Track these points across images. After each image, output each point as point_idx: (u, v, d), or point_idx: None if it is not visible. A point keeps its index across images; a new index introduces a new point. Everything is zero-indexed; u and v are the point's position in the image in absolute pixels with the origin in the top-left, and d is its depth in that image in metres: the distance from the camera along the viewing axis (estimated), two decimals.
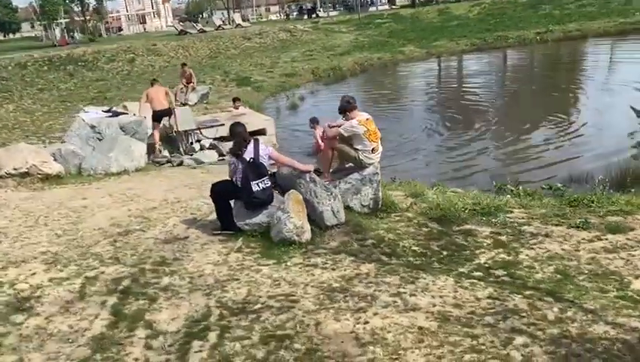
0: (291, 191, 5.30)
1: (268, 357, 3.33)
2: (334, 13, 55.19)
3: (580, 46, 24.70)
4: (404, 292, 4.10)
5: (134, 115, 10.24)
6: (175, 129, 10.10)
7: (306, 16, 52.95)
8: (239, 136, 5.39)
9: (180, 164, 9.57)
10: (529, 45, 25.77)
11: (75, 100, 16.51)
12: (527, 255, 4.76)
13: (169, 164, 9.68)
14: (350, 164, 6.15)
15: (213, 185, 5.70)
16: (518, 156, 10.35)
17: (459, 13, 39.66)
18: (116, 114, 9.93)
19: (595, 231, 5.18)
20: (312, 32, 35.45)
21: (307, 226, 5.19)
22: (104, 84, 19.97)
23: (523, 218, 5.70)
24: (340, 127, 6.05)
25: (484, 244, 5.05)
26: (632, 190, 6.64)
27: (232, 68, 23.59)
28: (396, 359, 3.25)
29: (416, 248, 5.02)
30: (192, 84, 15.95)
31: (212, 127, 10.45)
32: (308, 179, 5.53)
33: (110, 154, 8.78)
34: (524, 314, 3.71)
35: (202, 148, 10.06)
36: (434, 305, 3.89)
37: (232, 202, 5.70)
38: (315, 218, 5.35)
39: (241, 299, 4.14)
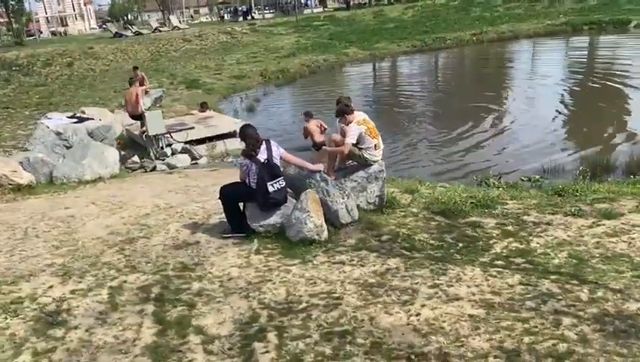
0: (308, 190, 5.33)
1: (337, 353, 3.37)
2: (269, 15, 55.10)
3: (514, 46, 26.03)
4: (441, 284, 4.24)
5: (100, 120, 9.87)
6: (146, 134, 9.81)
7: (241, 18, 52.51)
8: (251, 137, 5.35)
9: (153, 169, 9.33)
10: (466, 46, 26.87)
11: (18, 107, 15.62)
12: (537, 243, 5.02)
13: (141, 170, 9.40)
14: (350, 161, 6.25)
15: (222, 187, 5.63)
16: (476, 150, 10.69)
17: (393, 16, 40.67)
18: (81, 120, 9.53)
19: (590, 218, 5.53)
20: (252, 34, 35.26)
21: (325, 225, 5.25)
22: (45, 89, 18.97)
23: (519, 208, 5.99)
24: (343, 137, 6.11)
25: (494, 235, 5.28)
26: (609, 179, 7.13)
27: (176, 70, 23.09)
28: (461, 346, 3.38)
29: (432, 241, 5.18)
30: (144, 87, 15.44)
31: (182, 130, 10.23)
32: (319, 178, 5.58)
33: (83, 162, 8.43)
34: (560, 297, 3.94)
35: (174, 152, 9.83)
36: (473, 294, 4.06)
37: (240, 204, 5.67)
38: (329, 216, 5.40)
39: (282, 299, 4.15)
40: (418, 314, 3.78)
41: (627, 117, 12.07)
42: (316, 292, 4.21)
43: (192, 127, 10.40)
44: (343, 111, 6.10)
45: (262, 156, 5.31)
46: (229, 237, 5.50)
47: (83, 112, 11.30)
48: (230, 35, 33.82)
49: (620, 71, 16.84)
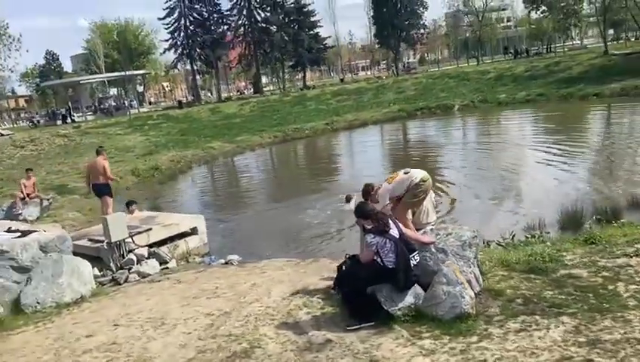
0: (447, 262, 5.03)
1: None
2: (91, 117, 52.02)
3: (371, 130, 28.63)
4: None
5: (44, 231, 8.20)
6: (106, 240, 8.32)
7: (59, 122, 48.58)
8: (377, 212, 4.95)
9: (126, 280, 7.92)
10: (323, 134, 28.44)
11: None
12: None
13: (111, 283, 7.92)
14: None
15: (342, 276, 5.06)
16: None
17: (230, 112, 41.29)
18: (24, 233, 7.83)
19: None
20: (86, 136, 32.83)
21: None
22: None
23: (582, 258, 6.33)
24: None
25: (601, 282, 5.50)
26: (614, 223, 7.98)
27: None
28: None
29: (563, 296, 5.18)
30: (33, 194, 13.30)
31: (142, 232, 8.91)
32: (434, 250, 5.33)
33: (60, 280, 6.83)
34: None
35: (139, 259, 8.46)
36: None
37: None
38: None
39: None
40: None
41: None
42: (553, 361, 3.92)
43: (150, 228, 9.14)
44: (367, 192, 6.05)
45: (394, 231, 4.92)
46: (358, 329, 4.88)
47: None
48: (66, 138, 31.06)
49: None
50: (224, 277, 7.52)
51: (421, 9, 55.55)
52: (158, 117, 42.13)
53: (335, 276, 5.77)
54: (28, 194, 13.26)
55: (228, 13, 53.96)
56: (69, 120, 49.26)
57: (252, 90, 64.85)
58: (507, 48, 65.86)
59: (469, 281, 5.14)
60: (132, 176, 20.47)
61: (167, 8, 52.76)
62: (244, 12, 52.77)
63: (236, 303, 6.11)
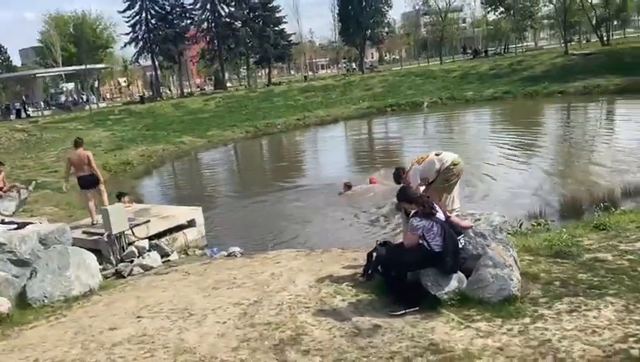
0: (492, 245, 5.00)
1: None
2: (48, 112, 50.05)
3: (344, 126, 28.63)
4: None
5: (40, 222, 7.78)
6: (107, 233, 7.95)
7: (13, 117, 46.50)
8: (417, 195, 4.87)
9: (130, 273, 7.60)
10: (295, 130, 28.27)
11: None
12: None
13: (114, 276, 7.58)
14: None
15: (384, 262, 4.95)
16: None
17: (195, 107, 40.46)
18: (20, 225, 7.42)
19: None
20: (48, 131, 31.59)
21: None
22: None
23: (600, 243, 6.46)
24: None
25: (629, 264, 5.60)
26: (615, 210, 8.17)
27: None
28: None
29: (596, 279, 5.25)
30: (5, 187, 12.59)
31: (140, 224, 8.56)
32: (472, 235, 5.30)
33: (67, 273, 6.46)
34: None
35: (141, 251, 8.12)
36: None
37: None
38: None
39: (599, 353, 3.78)
40: None
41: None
42: (618, 339, 3.95)
43: (149, 220, 8.80)
44: (398, 174, 6.04)
45: (440, 215, 4.85)
46: (402, 315, 4.79)
47: None
48: (25, 132, 29.80)
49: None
50: (236, 268, 7.30)
51: (386, 7, 55.85)
52: (120, 112, 40.87)
53: (365, 263, 5.69)
54: (0, 188, 12.55)
55: (191, 7, 52.86)
56: (23, 115, 47.30)
57: (213, 86, 63.76)
58: (465, 48, 67.09)
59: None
60: (104, 170, 19.78)
61: (127, 1, 51.26)
62: (208, 6, 51.82)
63: (261, 292, 5.92)
